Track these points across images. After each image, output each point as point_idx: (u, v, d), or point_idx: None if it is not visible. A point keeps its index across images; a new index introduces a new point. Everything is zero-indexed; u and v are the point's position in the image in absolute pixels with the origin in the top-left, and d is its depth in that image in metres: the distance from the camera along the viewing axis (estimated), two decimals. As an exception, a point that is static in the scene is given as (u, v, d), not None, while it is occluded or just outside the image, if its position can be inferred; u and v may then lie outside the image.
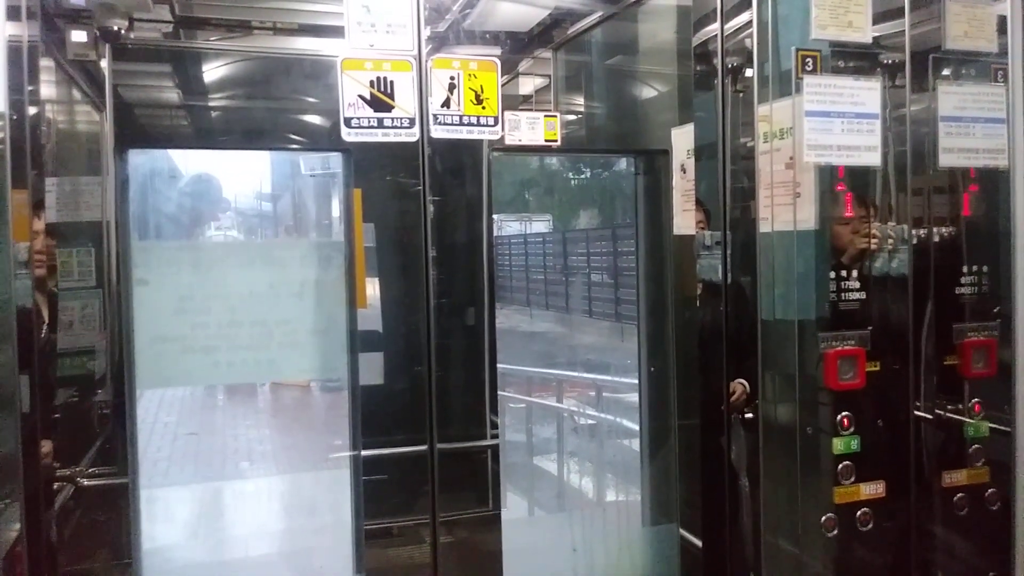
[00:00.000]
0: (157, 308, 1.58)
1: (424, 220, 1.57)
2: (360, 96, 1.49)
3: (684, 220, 1.73)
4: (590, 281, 15.62)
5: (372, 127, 1.50)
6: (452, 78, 1.53)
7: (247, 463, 6.44)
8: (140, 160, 1.66)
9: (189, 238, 1.89)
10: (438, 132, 1.54)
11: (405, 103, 1.51)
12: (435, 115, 1.53)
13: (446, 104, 1.53)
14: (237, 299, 1.62)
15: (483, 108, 1.55)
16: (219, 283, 1.61)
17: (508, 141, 1.63)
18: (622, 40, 1.99)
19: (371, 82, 1.49)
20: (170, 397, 8.95)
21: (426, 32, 1.51)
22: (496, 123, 1.58)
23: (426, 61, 1.51)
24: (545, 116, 1.67)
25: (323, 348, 1.66)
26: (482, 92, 1.54)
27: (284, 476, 6.15)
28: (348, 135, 1.50)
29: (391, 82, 1.50)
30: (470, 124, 1.55)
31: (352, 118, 1.49)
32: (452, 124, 1.54)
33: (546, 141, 1.68)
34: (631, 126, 2.02)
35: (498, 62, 1.58)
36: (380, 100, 1.50)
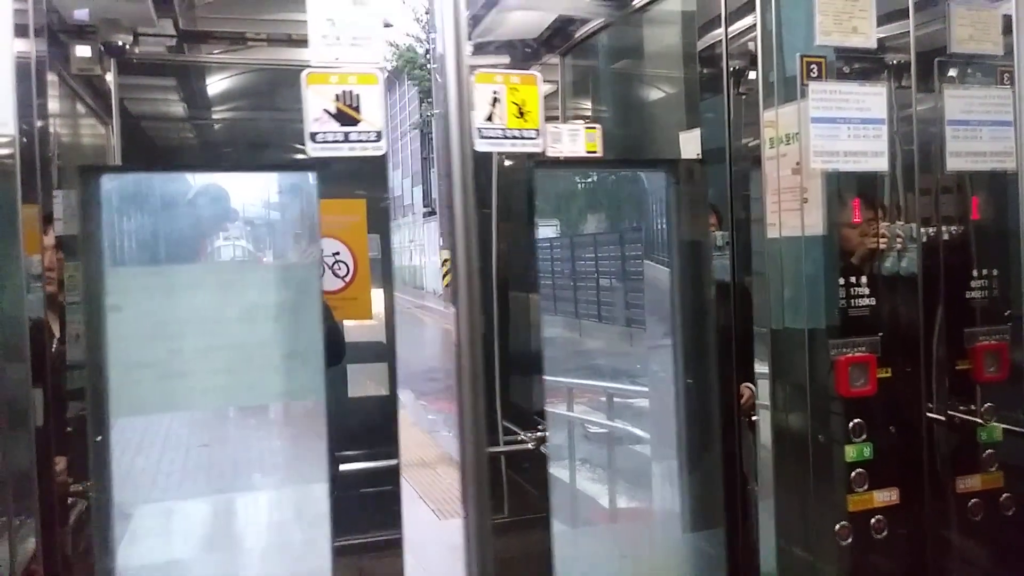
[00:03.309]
0: (131, 334, 1.55)
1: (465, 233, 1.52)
2: (326, 110, 1.48)
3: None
4: (598, 286, 15.65)
5: (338, 142, 1.48)
6: (495, 92, 1.53)
7: (259, 474, 6.47)
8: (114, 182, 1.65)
9: (172, 261, 1.85)
10: (482, 146, 1.53)
11: (372, 117, 1.50)
12: (479, 129, 1.53)
13: (489, 118, 1.53)
14: (212, 323, 1.59)
15: (525, 121, 1.55)
16: (193, 307, 1.59)
17: (550, 153, 1.63)
18: (660, 48, 1.98)
19: (336, 96, 1.48)
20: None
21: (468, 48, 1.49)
22: (537, 136, 1.58)
23: (468, 76, 1.48)
24: (586, 128, 1.67)
25: (301, 369, 1.64)
26: (524, 106, 1.55)
27: (295, 487, 6.18)
28: (313, 150, 1.48)
29: (357, 95, 1.49)
30: (513, 138, 1.55)
31: (317, 133, 1.48)
32: (496, 138, 1.54)
33: (587, 153, 1.67)
34: (666, 135, 2.00)
35: (539, 76, 1.58)
36: (346, 114, 1.49)
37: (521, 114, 1.54)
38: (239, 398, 1.66)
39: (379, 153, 1.51)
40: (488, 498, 1.38)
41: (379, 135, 1.50)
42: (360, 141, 1.49)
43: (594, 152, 1.67)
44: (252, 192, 1.98)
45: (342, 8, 1.46)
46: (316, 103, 1.47)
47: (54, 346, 1.49)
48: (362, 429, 1.77)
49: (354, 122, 1.49)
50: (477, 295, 1.39)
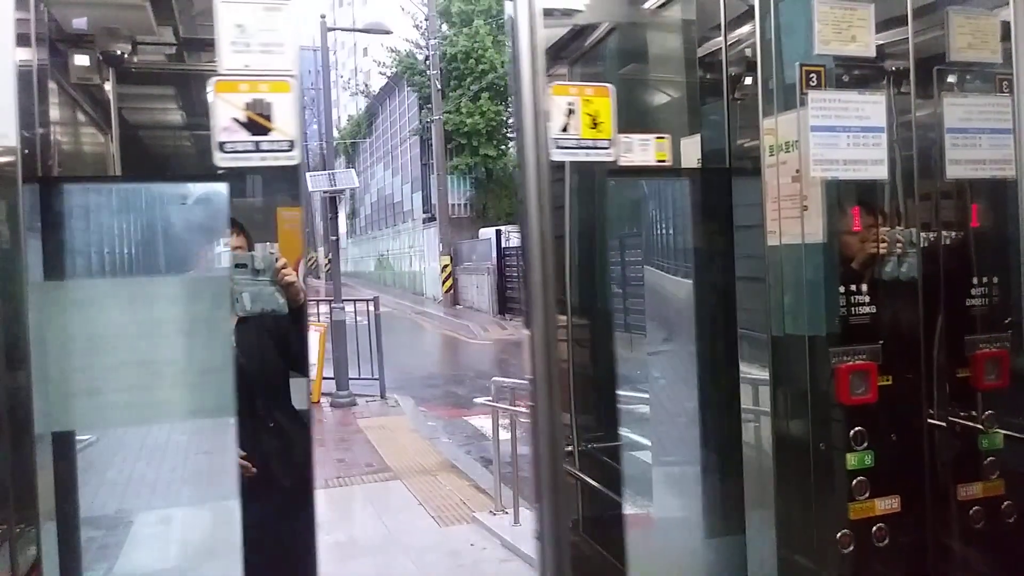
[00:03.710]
0: (38, 350, 1.47)
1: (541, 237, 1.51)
2: (235, 119, 1.45)
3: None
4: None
5: (249, 151, 1.45)
6: (570, 104, 1.54)
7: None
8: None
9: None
10: (557, 156, 1.53)
11: (284, 125, 1.47)
12: (555, 139, 1.52)
13: (564, 129, 1.53)
14: (123, 339, 1.54)
15: (599, 132, 1.56)
16: (103, 322, 1.53)
17: (622, 163, 1.64)
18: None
19: (247, 104, 1.45)
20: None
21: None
22: (610, 145, 1.58)
23: (545, 88, 1.46)
24: (656, 138, 1.67)
25: (215, 386, 1.58)
26: (597, 116, 1.55)
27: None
28: (222, 160, 1.44)
29: (269, 104, 1.46)
30: (587, 148, 1.56)
31: (226, 142, 1.44)
32: (571, 148, 1.54)
33: (657, 162, 1.68)
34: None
35: (612, 88, 1.58)
36: (257, 123, 1.46)
37: (595, 125, 1.55)
38: (145, 417, 1.58)
39: (292, 163, 1.48)
40: (564, 498, 1.40)
41: (292, 144, 1.47)
42: (272, 151, 1.46)
43: (664, 161, 1.68)
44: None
45: (253, 14, 1.43)
46: (225, 112, 1.43)
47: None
48: (275, 448, 1.72)
49: (265, 131, 1.46)
50: (552, 298, 1.41)
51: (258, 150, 1.45)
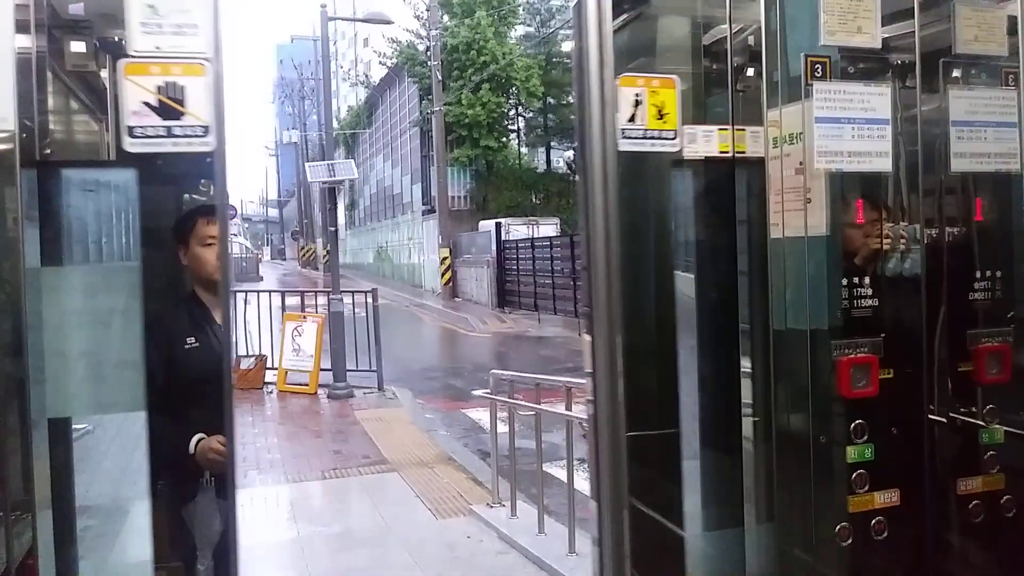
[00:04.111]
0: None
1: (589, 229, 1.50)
2: (146, 103, 1.40)
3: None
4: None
5: (160, 136, 1.41)
6: (637, 95, 1.54)
7: (256, 471, 6.47)
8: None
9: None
10: (625, 146, 1.52)
11: (198, 110, 1.42)
12: (622, 129, 1.52)
13: (632, 119, 1.54)
14: (34, 330, 1.48)
15: (664, 123, 1.56)
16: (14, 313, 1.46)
17: (686, 155, 1.64)
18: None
19: (158, 87, 1.40)
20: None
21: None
22: (675, 136, 1.58)
23: (613, 80, 1.44)
24: (719, 129, 1.67)
25: (130, 381, 1.55)
26: (663, 108, 1.56)
27: (293, 485, 6.17)
28: (132, 146, 1.40)
29: (182, 87, 1.41)
30: (653, 138, 1.56)
31: (136, 127, 1.40)
32: (637, 138, 1.54)
33: (720, 153, 1.68)
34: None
35: (678, 79, 1.59)
36: (169, 107, 1.41)
37: (660, 116, 1.55)
38: (53, 409, 1.53)
39: (207, 149, 1.43)
40: (625, 484, 1.43)
41: (206, 129, 1.43)
42: (185, 136, 1.42)
43: (726, 152, 1.67)
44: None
45: None
46: (135, 95, 1.39)
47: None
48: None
49: (178, 115, 1.41)
50: (616, 287, 1.41)
51: (170, 135, 1.41)
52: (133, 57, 1.39)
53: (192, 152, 1.42)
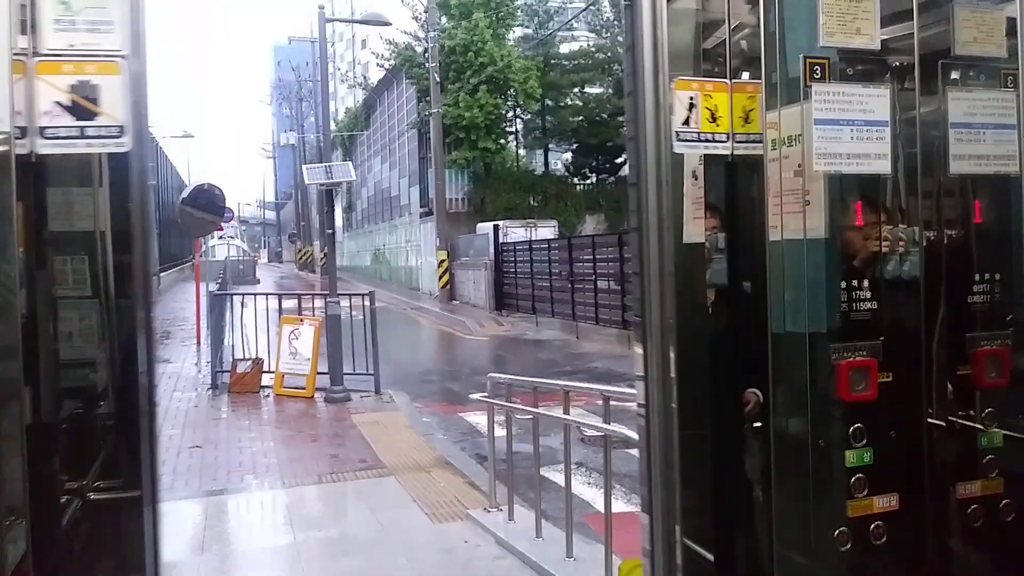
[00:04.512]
0: None
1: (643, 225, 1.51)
2: (58, 102, 1.36)
3: (694, 228, 1.72)
4: (596, 288, 15.63)
5: (73, 137, 1.37)
6: (691, 98, 1.55)
7: (252, 476, 6.44)
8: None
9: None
10: (679, 148, 1.54)
11: (112, 109, 1.37)
12: (677, 132, 1.54)
13: (686, 122, 1.55)
14: None
15: (717, 126, 1.58)
16: None
17: (737, 155, 1.65)
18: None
19: (71, 87, 1.36)
20: (174, 410, 8.95)
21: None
22: (728, 139, 1.60)
23: (668, 83, 1.47)
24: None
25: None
26: (716, 111, 1.58)
27: (289, 489, 6.14)
28: (43, 147, 1.35)
29: (96, 87, 1.37)
30: (706, 140, 1.58)
31: (48, 127, 1.36)
32: (692, 141, 1.56)
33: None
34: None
35: (729, 83, 1.60)
36: (82, 107, 1.36)
37: (713, 119, 1.57)
38: None
39: (122, 149, 1.39)
40: (678, 482, 1.43)
41: (121, 129, 1.38)
42: (99, 137, 1.37)
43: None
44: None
45: None
46: (47, 94, 1.35)
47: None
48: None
49: (91, 115, 1.37)
50: (671, 291, 1.43)
51: (83, 136, 1.37)
52: (45, 55, 1.35)
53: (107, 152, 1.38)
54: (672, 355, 1.44)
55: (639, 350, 1.50)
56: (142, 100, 1.40)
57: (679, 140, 1.53)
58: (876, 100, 1.57)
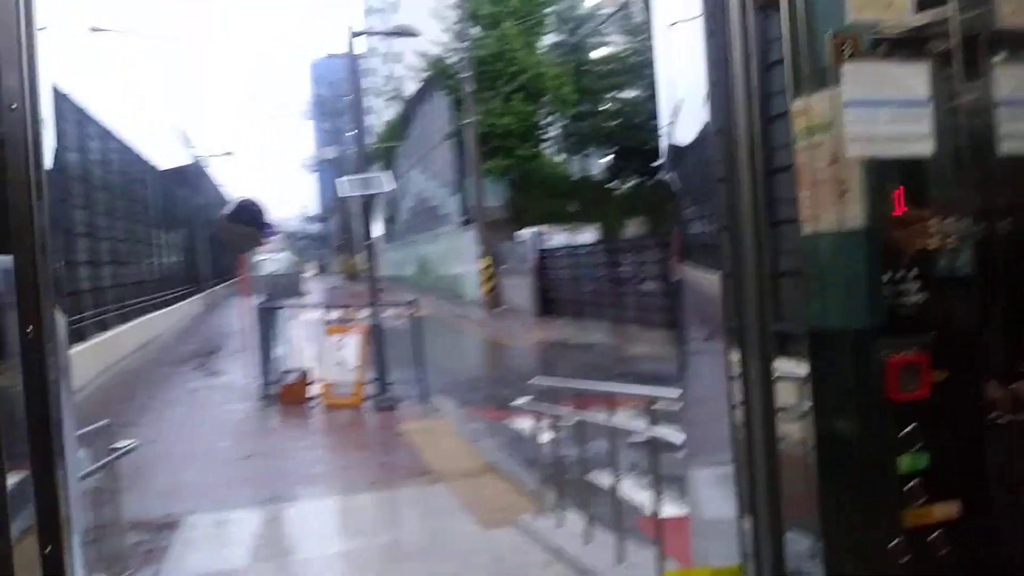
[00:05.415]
0: None
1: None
2: None
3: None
4: (640, 291, 15.43)
5: None
6: None
7: (303, 485, 6.52)
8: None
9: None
10: None
11: None
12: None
13: None
14: None
15: None
16: None
17: None
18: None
19: None
20: (224, 421, 9.15)
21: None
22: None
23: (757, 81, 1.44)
24: None
25: None
26: None
27: (340, 498, 6.19)
28: None
29: None
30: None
31: None
32: None
33: None
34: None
35: None
36: None
37: None
38: None
39: None
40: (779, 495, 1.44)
41: None
42: None
43: None
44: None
45: None
46: None
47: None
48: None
49: None
50: (767, 289, 1.44)
51: None
52: None
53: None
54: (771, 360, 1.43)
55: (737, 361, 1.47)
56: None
57: None
58: (913, 77, 1.46)
